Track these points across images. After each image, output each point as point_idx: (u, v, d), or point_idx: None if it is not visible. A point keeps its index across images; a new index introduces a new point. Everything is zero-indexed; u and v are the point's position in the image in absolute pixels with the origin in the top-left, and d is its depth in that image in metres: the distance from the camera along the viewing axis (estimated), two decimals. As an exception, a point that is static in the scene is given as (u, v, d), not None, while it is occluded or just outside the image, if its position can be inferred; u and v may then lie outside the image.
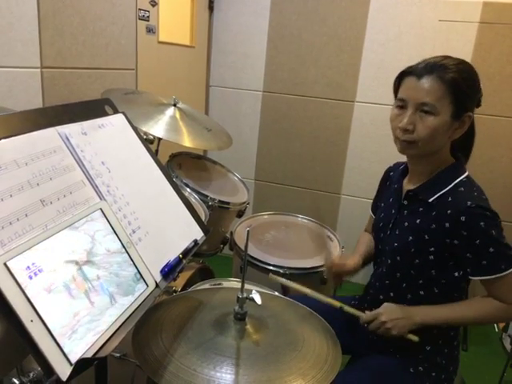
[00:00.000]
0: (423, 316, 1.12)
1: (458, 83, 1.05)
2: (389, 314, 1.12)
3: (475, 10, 2.32)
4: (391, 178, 1.35)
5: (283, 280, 1.29)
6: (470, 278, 1.11)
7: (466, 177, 1.13)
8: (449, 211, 1.07)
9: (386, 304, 1.16)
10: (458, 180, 1.12)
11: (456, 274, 1.12)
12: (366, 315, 1.16)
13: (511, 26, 2.27)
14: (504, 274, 1.05)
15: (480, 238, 1.04)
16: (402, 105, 1.12)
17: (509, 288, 1.08)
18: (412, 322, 1.11)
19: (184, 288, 1.65)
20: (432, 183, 1.14)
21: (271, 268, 1.67)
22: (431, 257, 1.11)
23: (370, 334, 1.26)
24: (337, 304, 1.20)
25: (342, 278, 1.38)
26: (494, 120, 2.39)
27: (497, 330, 2.48)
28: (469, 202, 1.04)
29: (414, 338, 1.12)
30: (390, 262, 1.21)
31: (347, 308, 1.20)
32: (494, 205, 1.08)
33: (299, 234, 2.01)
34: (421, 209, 1.15)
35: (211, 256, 1.97)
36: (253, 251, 1.74)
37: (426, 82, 1.06)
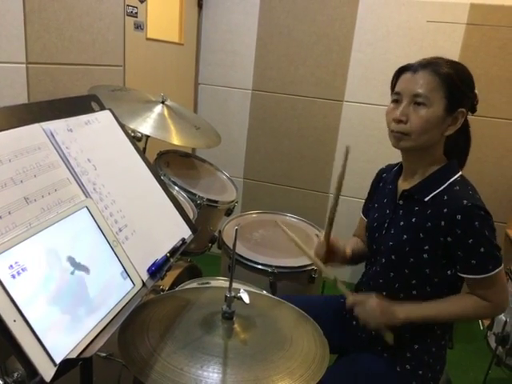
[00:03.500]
0: (408, 312, 1.12)
1: (452, 77, 1.08)
2: (370, 306, 1.12)
3: (463, 12, 2.34)
4: (384, 179, 1.35)
5: (287, 231, 1.29)
6: (459, 274, 1.12)
7: (460, 176, 1.15)
8: (445, 210, 1.08)
9: (372, 295, 1.15)
10: (452, 179, 1.13)
11: (449, 272, 1.14)
12: (350, 297, 1.16)
13: (498, 27, 2.30)
14: (490, 274, 1.07)
15: (473, 237, 1.06)
16: (397, 98, 1.14)
17: (493, 288, 1.10)
18: (395, 318, 1.12)
19: (171, 287, 1.64)
20: (427, 182, 1.16)
21: (259, 267, 1.67)
22: (425, 255, 1.12)
23: (359, 332, 1.27)
24: (331, 276, 1.20)
25: (332, 256, 1.33)
26: (480, 121, 2.41)
27: (482, 328, 2.51)
28: (465, 201, 1.06)
29: (389, 339, 1.12)
30: (384, 261, 1.21)
31: (340, 284, 1.19)
32: (481, 205, 1.08)
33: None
34: (416, 208, 1.15)
35: (199, 255, 1.96)
36: (241, 250, 1.74)
37: (421, 76, 1.09)
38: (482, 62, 2.36)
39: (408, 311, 1.13)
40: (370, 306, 1.12)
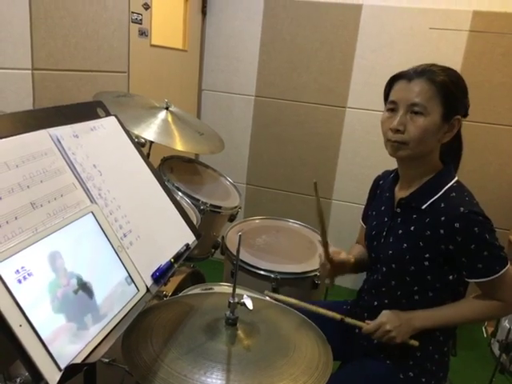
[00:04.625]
0: (422, 320, 1.13)
1: (448, 85, 1.08)
2: (392, 323, 1.12)
3: (465, 19, 2.35)
4: (381, 186, 1.35)
5: (281, 297, 1.26)
6: (466, 279, 1.12)
7: (456, 182, 1.15)
8: (443, 218, 1.08)
9: (385, 312, 1.16)
10: (448, 186, 1.13)
11: (451, 277, 1.13)
12: (369, 326, 1.15)
13: (501, 34, 2.31)
14: (499, 274, 1.07)
15: (474, 242, 1.06)
16: (392, 107, 1.13)
17: (503, 287, 1.10)
18: (412, 327, 1.12)
19: (175, 292, 1.64)
20: (423, 190, 1.15)
21: (262, 273, 1.67)
22: (426, 263, 1.12)
23: (361, 339, 1.26)
24: (338, 316, 1.19)
25: (335, 272, 1.33)
26: (483, 127, 2.42)
27: (485, 335, 2.50)
28: (462, 208, 1.05)
29: (415, 343, 1.12)
30: (385, 269, 1.21)
31: (349, 319, 1.19)
32: (483, 212, 1.08)
33: (290, 238, 2.01)
34: (414, 216, 1.15)
35: (202, 260, 1.96)
36: (244, 256, 1.74)
37: (417, 84, 1.08)
38: (484, 68, 2.37)
39: (423, 319, 1.13)
40: (387, 329, 1.12)
